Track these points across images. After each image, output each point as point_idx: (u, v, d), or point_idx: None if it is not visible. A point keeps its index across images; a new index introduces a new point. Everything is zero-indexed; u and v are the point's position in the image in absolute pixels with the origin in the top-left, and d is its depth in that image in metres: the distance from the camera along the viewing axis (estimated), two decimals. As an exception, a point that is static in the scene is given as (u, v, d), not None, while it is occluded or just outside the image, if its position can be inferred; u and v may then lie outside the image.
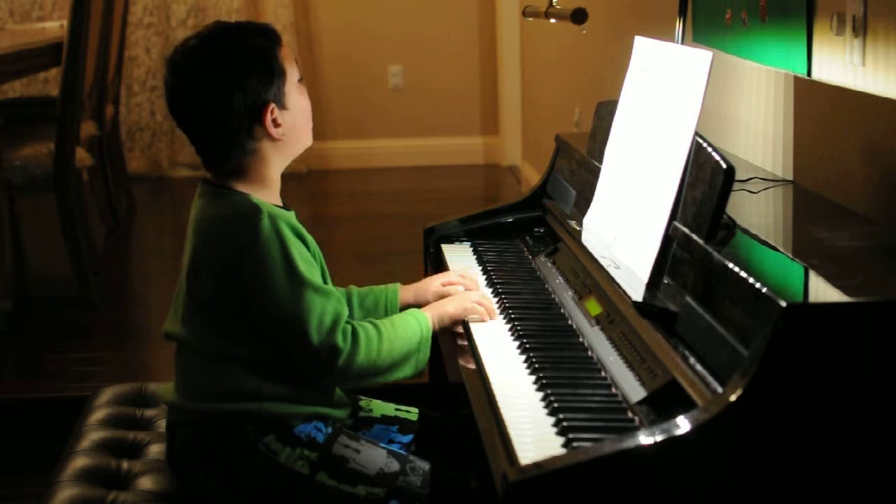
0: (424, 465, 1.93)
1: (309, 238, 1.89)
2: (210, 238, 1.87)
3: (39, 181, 4.16)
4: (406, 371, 1.92)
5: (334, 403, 1.95)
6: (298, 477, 1.87)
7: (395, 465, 1.91)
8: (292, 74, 1.92)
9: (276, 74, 1.88)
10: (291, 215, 1.90)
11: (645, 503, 1.35)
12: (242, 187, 1.89)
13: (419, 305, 2.09)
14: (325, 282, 1.90)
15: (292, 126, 1.91)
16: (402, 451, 1.97)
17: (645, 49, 2.09)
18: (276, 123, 1.88)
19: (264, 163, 1.91)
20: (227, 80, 1.85)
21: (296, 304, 1.81)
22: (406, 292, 2.14)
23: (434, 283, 2.14)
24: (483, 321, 2.00)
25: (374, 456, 1.91)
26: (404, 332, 1.92)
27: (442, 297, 2.08)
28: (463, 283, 2.14)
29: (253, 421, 1.87)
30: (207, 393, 1.88)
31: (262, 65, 1.87)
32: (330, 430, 1.92)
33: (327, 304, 1.83)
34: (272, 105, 1.87)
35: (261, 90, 1.86)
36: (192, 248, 1.90)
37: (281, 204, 1.94)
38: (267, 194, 1.91)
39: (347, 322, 1.86)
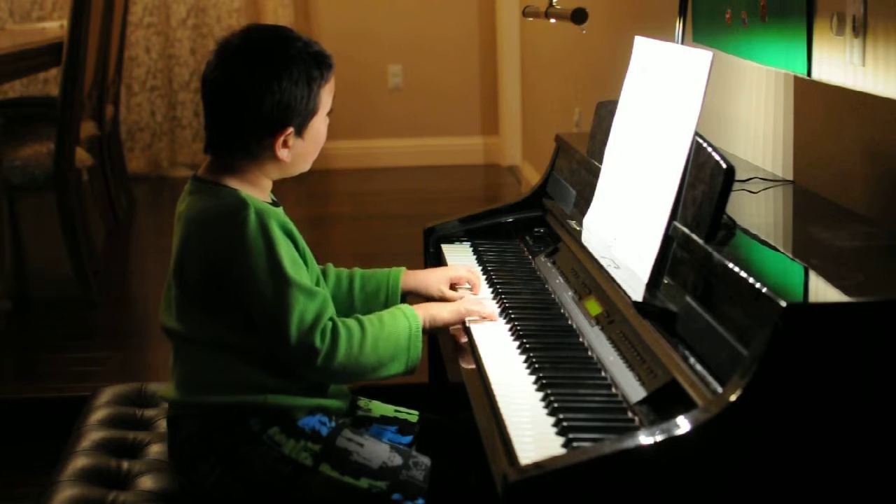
0: (426, 461, 1.93)
1: (299, 236, 1.90)
2: (197, 232, 1.89)
3: (39, 181, 4.16)
4: (397, 368, 1.92)
5: (333, 394, 1.96)
6: (302, 469, 1.87)
7: (397, 460, 1.91)
8: (324, 108, 1.95)
9: (309, 107, 1.90)
10: (280, 212, 1.92)
11: (645, 503, 1.35)
12: (233, 183, 1.91)
13: (421, 296, 2.10)
14: (314, 281, 1.91)
15: (301, 153, 1.94)
16: (404, 447, 1.98)
17: (645, 49, 2.09)
18: (285, 145, 1.90)
19: (261, 170, 1.93)
20: (270, 80, 1.86)
21: (277, 302, 1.82)
22: (409, 279, 2.15)
23: (440, 276, 2.15)
24: (484, 320, 2.01)
25: (378, 450, 1.92)
26: (392, 329, 1.91)
27: (445, 300, 2.09)
28: (469, 278, 2.16)
29: (257, 413, 1.88)
30: (210, 385, 1.89)
31: (306, 93, 1.89)
32: (333, 423, 1.93)
33: (309, 304, 1.83)
34: (291, 129, 1.89)
35: (290, 112, 1.88)
36: (180, 241, 1.91)
37: (270, 200, 1.95)
38: (257, 192, 1.92)
39: (330, 319, 1.86)
